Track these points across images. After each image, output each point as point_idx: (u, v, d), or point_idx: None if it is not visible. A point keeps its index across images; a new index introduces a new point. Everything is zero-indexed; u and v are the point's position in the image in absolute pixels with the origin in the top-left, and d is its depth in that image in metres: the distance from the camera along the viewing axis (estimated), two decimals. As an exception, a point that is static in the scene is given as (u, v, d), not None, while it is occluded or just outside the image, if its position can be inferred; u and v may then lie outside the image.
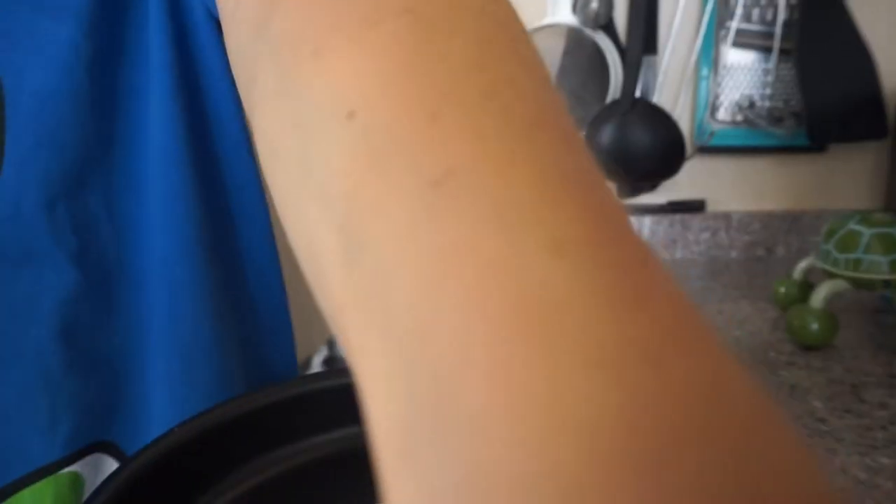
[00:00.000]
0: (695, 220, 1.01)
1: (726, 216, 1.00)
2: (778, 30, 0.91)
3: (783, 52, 0.92)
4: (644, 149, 0.93)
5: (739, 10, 0.92)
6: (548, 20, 1.00)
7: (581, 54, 0.99)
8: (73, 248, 0.34)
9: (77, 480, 0.35)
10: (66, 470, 0.34)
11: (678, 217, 1.01)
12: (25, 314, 0.33)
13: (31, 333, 0.33)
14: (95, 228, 0.35)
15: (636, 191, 1.05)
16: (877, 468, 0.46)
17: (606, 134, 0.94)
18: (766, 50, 0.93)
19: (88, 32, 0.32)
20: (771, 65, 0.93)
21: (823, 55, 0.88)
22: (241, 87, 0.21)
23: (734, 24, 0.93)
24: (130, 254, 0.36)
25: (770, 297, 0.80)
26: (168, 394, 0.38)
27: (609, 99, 0.97)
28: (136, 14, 0.35)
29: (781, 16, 0.91)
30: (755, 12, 0.93)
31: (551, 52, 1.01)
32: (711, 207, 1.03)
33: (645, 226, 1.03)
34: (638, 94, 0.95)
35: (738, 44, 0.94)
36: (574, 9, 0.97)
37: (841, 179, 0.99)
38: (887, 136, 0.90)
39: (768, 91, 0.95)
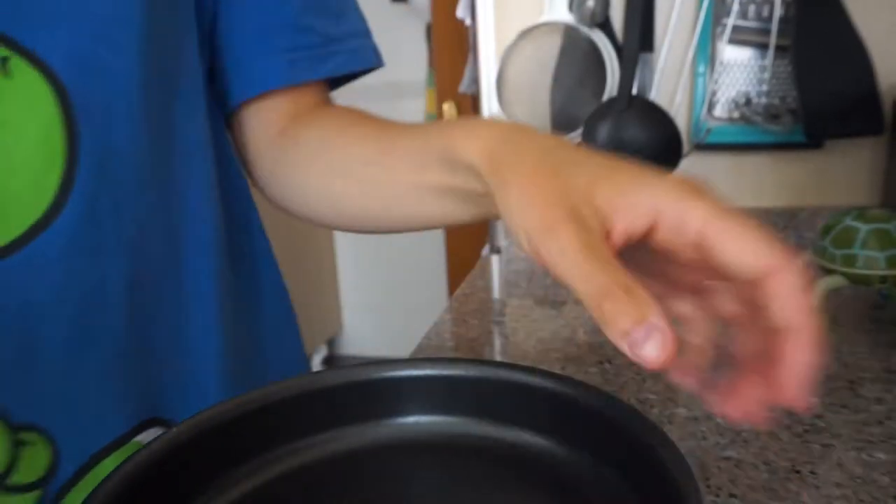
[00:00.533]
0: (692, 217, 1.01)
1: (724, 213, 1.00)
2: (774, 26, 0.91)
3: (779, 49, 0.92)
4: (641, 146, 0.93)
5: (736, 7, 0.92)
6: (544, 18, 1.00)
7: (577, 52, 1.00)
8: (134, 243, 0.39)
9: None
10: (134, 440, 0.40)
11: (676, 214, 1.02)
12: (100, 300, 0.38)
13: (106, 319, 0.38)
14: (151, 227, 0.41)
15: (634, 188, 1.05)
16: (873, 463, 0.46)
17: (603, 131, 0.94)
18: (763, 47, 0.94)
19: (141, 63, 0.38)
20: (767, 61, 0.94)
21: (820, 51, 0.88)
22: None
23: (730, 21, 0.93)
24: (178, 255, 0.43)
25: (767, 294, 0.80)
26: (216, 374, 0.45)
27: (606, 97, 0.97)
28: (182, 53, 0.42)
29: (777, 12, 0.91)
30: (751, 9, 0.93)
31: (548, 50, 1.01)
32: (709, 204, 1.03)
33: (642, 223, 1.03)
34: (635, 91, 0.95)
35: (734, 41, 0.94)
36: (570, 7, 0.97)
37: (838, 175, 0.99)
38: (884, 132, 0.90)
39: (765, 88, 0.95)
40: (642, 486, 0.33)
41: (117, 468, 0.31)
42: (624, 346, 0.24)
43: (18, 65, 0.34)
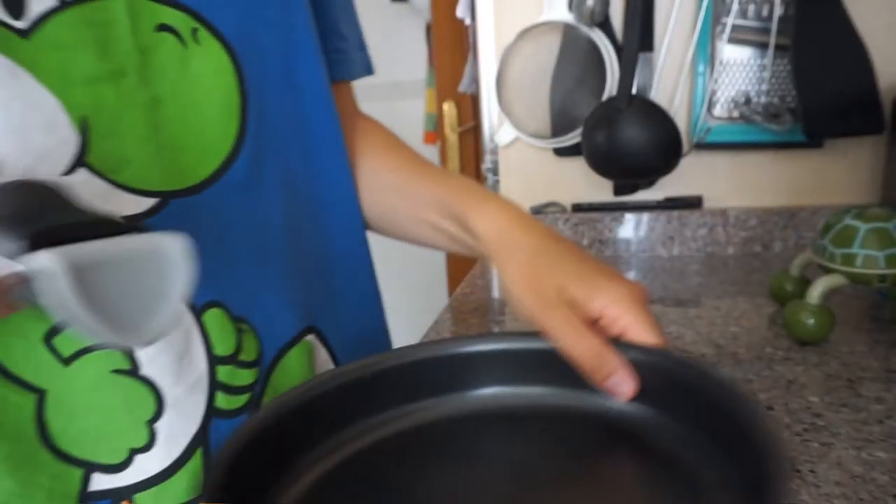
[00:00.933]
0: (692, 217, 1.01)
1: (723, 212, 1.00)
2: (774, 25, 0.91)
3: (779, 48, 0.92)
4: (641, 145, 0.93)
5: (735, 6, 0.92)
6: (544, 17, 1.00)
7: (577, 52, 1.00)
8: (287, 183, 0.50)
9: (311, 347, 0.51)
10: (303, 340, 0.50)
11: (675, 213, 1.02)
12: (267, 225, 0.48)
13: (272, 241, 0.48)
14: (293, 170, 0.51)
15: (633, 187, 1.05)
16: (873, 462, 0.46)
17: (603, 131, 0.94)
18: (763, 46, 0.94)
19: (283, 38, 0.49)
20: (767, 61, 0.94)
21: (819, 51, 0.88)
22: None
23: (730, 21, 0.93)
24: (318, 194, 0.54)
25: (767, 293, 0.80)
26: (352, 293, 0.57)
27: (605, 96, 0.97)
28: (306, 32, 0.52)
29: (777, 11, 0.91)
30: (751, 8, 0.93)
31: (547, 50, 1.01)
32: (708, 204, 1.03)
33: (642, 222, 1.03)
34: (634, 90, 0.95)
35: (734, 40, 0.94)
36: (570, 6, 0.97)
37: (837, 175, 0.99)
38: (883, 131, 0.90)
39: (764, 87, 0.95)
40: (731, 447, 0.34)
41: (235, 432, 0.36)
42: (606, 387, 0.41)
43: (204, 35, 0.43)
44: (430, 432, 0.42)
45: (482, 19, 1.06)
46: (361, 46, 0.60)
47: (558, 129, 1.03)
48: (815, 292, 0.65)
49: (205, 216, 0.44)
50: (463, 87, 1.72)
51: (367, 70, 0.61)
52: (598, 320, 0.42)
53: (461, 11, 1.27)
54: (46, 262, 0.26)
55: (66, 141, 0.38)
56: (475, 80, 1.55)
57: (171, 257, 0.30)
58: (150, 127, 0.41)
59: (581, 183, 1.06)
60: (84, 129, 0.39)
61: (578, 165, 1.02)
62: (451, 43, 1.88)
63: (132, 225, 0.30)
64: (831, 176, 0.99)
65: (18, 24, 0.37)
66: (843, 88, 0.88)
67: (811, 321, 0.65)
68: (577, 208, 1.07)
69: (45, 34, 0.37)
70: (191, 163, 0.43)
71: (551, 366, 0.42)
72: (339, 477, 0.38)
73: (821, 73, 0.88)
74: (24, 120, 0.37)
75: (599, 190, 1.06)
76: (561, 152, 1.05)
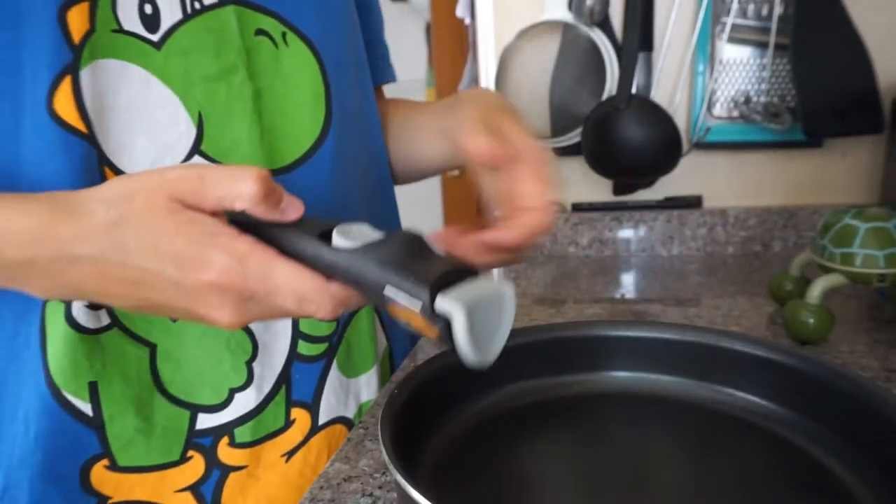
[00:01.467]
0: (692, 216, 1.01)
1: (723, 212, 1.00)
2: (773, 25, 0.91)
3: (779, 48, 0.92)
4: (641, 145, 0.93)
5: (735, 6, 0.92)
6: (544, 17, 1.00)
7: (577, 51, 1.00)
8: (357, 161, 0.57)
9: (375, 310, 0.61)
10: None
11: (675, 213, 1.02)
12: (349, 198, 0.56)
13: (353, 208, 0.56)
14: (359, 152, 0.58)
15: (633, 187, 1.05)
16: (872, 461, 0.46)
17: (603, 131, 0.94)
18: (762, 45, 0.94)
19: (348, 37, 0.57)
20: (767, 60, 0.94)
21: (819, 50, 0.88)
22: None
23: (730, 20, 0.93)
24: (373, 174, 0.62)
25: (767, 293, 0.80)
26: None
27: (605, 95, 0.97)
28: (359, 34, 0.60)
29: (777, 11, 0.91)
30: (751, 7, 0.93)
31: (547, 49, 1.01)
32: (708, 203, 1.03)
33: (642, 222, 1.03)
34: (634, 90, 0.95)
35: (733, 39, 0.94)
36: (570, 5, 0.97)
37: (837, 174, 0.99)
38: (883, 131, 0.90)
39: (764, 86, 0.95)
40: (867, 443, 0.36)
41: (403, 383, 0.43)
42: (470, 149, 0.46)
43: (292, 38, 0.51)
44: (577, 402, 0.48)
45: (482, 19, 1.06)
46: (388, 55, 0.68)
47: (558, 128, 1.03)
48: (815, 292, 0.65)
49: (297, 189, 0.50)
50: (463, 86, 1.72)
51: (394, 77, 0.69)
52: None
53: (461, 11, 1.27)
54: (458, 307, 0.32)
55: (185, 133, 0.46)
56: (475, 80, 1.55)
57: (507, 296, 0.37)
58: (255, 115, 0.49)
59: (580, 182, 1.06)
60: (200, 121, 0.46)
61: (578, 165, 1.02)
62: (450, 43, 1.88)
63: (476, 268, 0.36)
64: (831, 175, 0.99)
65: (153, 38, 0.44)
66: (843, 88, 0.88)
67: (811, 321, 0.64)
68: (577, 208, 1.07)
69: (174, 43, 0.45)
70: (287, 144, 0.51)
71: (694, 358, 0.47)
72: (485, 431, 0.46)
73: (820, 72, 0.88)
74: (153, 120, 0.44)
75: (599, 189, 1.06)
76: (561, 152, 1.05)
